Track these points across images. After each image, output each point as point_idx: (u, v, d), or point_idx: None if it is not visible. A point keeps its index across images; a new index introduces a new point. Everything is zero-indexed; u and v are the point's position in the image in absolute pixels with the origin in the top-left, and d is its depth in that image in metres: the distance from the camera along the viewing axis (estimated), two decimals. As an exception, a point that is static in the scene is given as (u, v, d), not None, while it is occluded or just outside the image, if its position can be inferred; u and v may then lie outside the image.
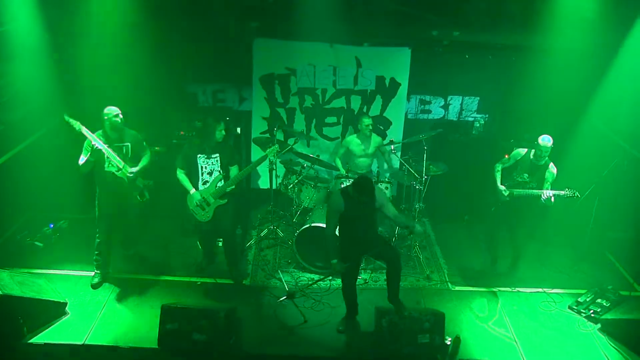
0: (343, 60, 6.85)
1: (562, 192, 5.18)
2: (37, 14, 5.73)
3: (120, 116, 5.01)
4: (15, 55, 5.74)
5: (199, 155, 5.24)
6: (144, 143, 5.34)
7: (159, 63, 6.53)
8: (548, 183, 5.28)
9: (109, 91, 6.14)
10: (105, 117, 4.97)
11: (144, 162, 5.26)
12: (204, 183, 5.28)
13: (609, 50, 6.10)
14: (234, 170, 5.30)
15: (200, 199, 5.23)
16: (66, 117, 4.80)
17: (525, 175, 5.39)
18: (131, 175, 5.09)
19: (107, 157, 4.98)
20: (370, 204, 4.51)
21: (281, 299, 5.16)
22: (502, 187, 5.43)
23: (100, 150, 4.90)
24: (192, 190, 5.24)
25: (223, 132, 5.24)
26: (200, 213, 5.28)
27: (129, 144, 5.14)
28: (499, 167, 5.55)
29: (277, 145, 5.55)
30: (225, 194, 5.26)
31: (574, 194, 5.17)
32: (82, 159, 4.96)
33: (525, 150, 5.46)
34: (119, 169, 5.04)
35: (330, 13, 5.87)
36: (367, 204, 4.48)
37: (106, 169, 5.04)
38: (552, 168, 5.32)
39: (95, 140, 4.88)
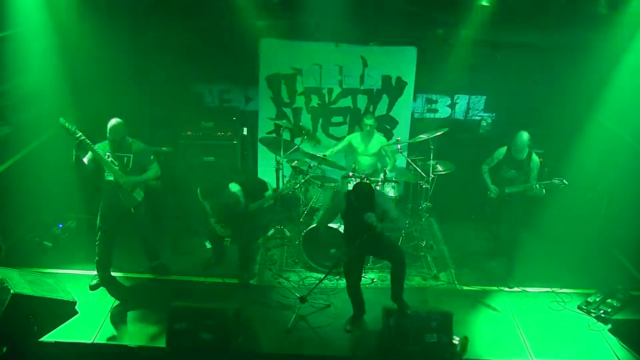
0: (349, 59, 6.84)
1: (550, 182, 5.33)
2: (45, 17, 5.77)
3: (121, 129, 5.00)
4: (24, 58, 5.78)
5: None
6: (152, 157, 5.27)
7: (165, 63, 6.57)
8: (533, 172, 5.49)
9: (116, 91, 6.19)
10: (108, 127, 4.99)
11: (145, 175, 5.21)
12: None
13: (617, 46, 6.04)
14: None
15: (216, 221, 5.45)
16: (61, 120, 4.76)
17: (513, 171, 5.57)
18: (121, 182, 5.05)
19: (105, 166, 5.00)
20: (370, 210, 4.45)
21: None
22: (493, 187, 5.68)
23: (99, 156, 4.92)
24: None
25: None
26: (220, 230, 5.52)
27: (131, 155, 5.12)
28: (485, 168, 5.78)
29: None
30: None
31: (561, 181, 5.28)
32: (85, 159, 5.03)
33: (506, 147, 5.64)
34: (115, 178, 5.03)
35: (335, 13, 5.88)
36: (367, 210, 4.43)
37: (106, 179, 5.08)
38: (535, 157, 5.50)
39: (87, 141, 4.83)
